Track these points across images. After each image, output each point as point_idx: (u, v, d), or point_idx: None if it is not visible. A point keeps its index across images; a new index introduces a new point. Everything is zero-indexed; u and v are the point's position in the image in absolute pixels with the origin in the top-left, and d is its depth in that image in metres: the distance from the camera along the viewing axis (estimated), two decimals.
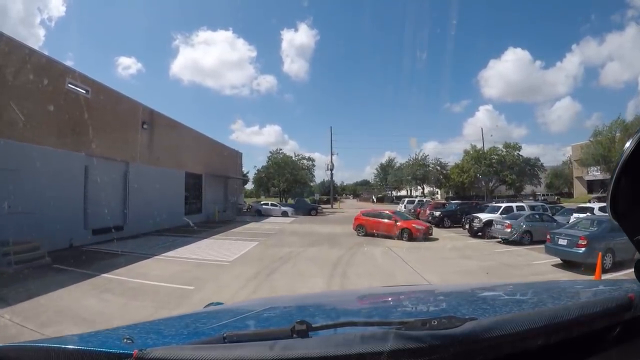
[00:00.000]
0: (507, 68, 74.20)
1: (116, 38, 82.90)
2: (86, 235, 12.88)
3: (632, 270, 1.03)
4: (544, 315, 0.92)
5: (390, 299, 2.00)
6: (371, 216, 17.69)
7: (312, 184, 57.65)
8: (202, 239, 15.13)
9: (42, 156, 10.87)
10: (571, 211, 18.76)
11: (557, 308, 1.09)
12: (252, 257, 11.36)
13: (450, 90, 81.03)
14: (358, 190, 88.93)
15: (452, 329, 0.81)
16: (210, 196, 26.15)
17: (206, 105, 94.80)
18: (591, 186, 45.07)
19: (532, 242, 13.79)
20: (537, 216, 15.61)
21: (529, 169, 46.39)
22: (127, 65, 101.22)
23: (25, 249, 9.40)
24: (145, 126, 17.64)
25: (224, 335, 0.89)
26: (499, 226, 15.12)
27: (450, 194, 54.19)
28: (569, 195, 50.33)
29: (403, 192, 62.88)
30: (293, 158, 51.45)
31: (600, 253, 8.10)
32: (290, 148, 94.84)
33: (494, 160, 45.64)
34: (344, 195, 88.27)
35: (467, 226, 17.98)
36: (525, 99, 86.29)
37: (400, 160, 62.95)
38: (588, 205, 19.48)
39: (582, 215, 15.55)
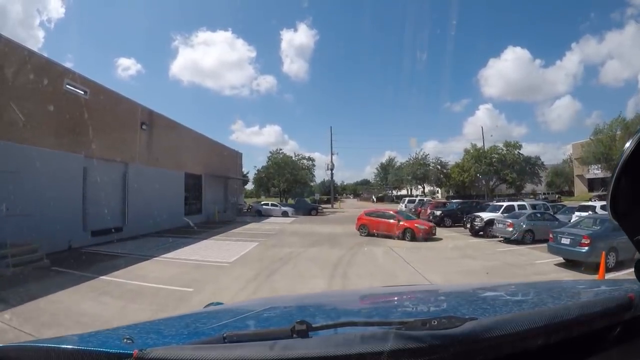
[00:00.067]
0: (507, 67, 74.07)
1: (115, 39, 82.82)
2: (85, 237, 12.81)
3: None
4: (544, 315, 0.92)
5: (390, 298, 1.99)
6: (374, 216, 17.51)
7: (312, 183, 57.57)
8: (201, 240, 15.05)
9: (40, 158, 10.79)
10: (572, 210, 18.65)
11: (557, 308, 1.09)
12: (252, 258, 11.28)
13: (450, 89, 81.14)
14: (358, 190, 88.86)
15: (452, 329, 0.81)
16: (210, 197, 26.08)
17: (206, 106, 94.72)
18: (592, 184, 44.99)
19: (534, 241, 13.71)
20: (538, 215, 15.54)
21: (530, 167, 46.26)
22: (127, 66, 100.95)
23: (24, 251, 9.32)
24: (144, 127, 17.57)
25: (224, 335, 0.89)
26: (500, 225, 15.03)
27: (451, 193, 54.12)
28: (570, 193, 50.26)
29: (403, 192, 62.77)
30: (293, 158, 51.38)
31: (603, 252, 8.03)
32: (291, 148, 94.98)
33: (494, 159, 45.52)
34: (344, 195, 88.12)
35: (468, 225, 17.88)
36: (525, 97, 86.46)
37: (400, 159, 62.86)
38: (589, 203, 19.39)
39: (584, 214, 15.47)
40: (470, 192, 51.13)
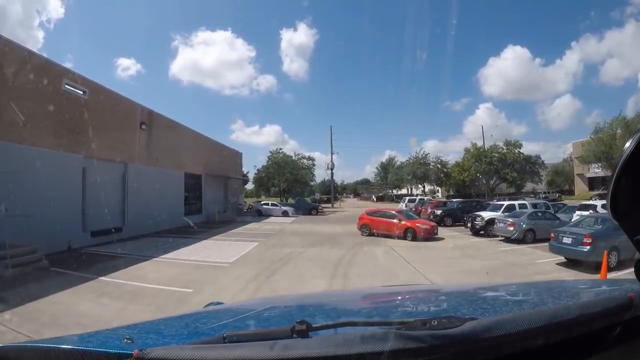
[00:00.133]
0: (507, 66, 73.97)
1: (115, 39, 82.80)
2: (85, 238, 12.77)
3: None
4: (544, 315, 0.92)
5: (390, 298, 1.99)
6: (375, 215, 17.40)
7: (312, 183, 57.55)
8: (201, 240, 15.01)
9: (39, 158, 10.73)
10: (573, 209, 18.61)
11: (557, 308, 1.09)
12: (252, 258, 11.23)
13: (450, 88, 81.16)
14: (359, 189, 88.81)
15: (452, 329, 0.81)
16: (210, 196, 26.03)
17: (206, 106, 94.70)
18: (592, 183, 44.91)
19: (535, 240, 13.65)
20: (539, 214, 15.49)
21: (530, 166, 46.19)
22: (127, 66, 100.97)
23: (22, 252, 9.27)
24: (143, 127, 17.51)
25: (224, 335, 0.89)
26: (501, 224, 14.98)
27: (451, 192, 54.06)
28: (570, 192, 50.16)
29: (403, 191, 62.71)
30: (293, 157, 51.36)
31: (605, 251, 7.98)
32: (291, 148, 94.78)
33: (494, 158, 45.44)
34: (344, 194, 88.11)
35: (469, 225, 17.83)
36: (525, 96, 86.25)
37: (400, 158, 62.75)
38: (590, 202, 19.33)
39: (585, 213, 15.42)
40: (470, 191, 51.05)
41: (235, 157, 34.96)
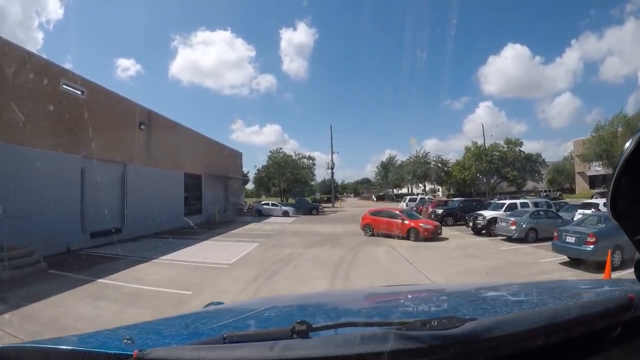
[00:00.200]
0: (507, 64, 73.54)
1: (115, 40, 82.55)
2: (84, 239, 12.70)
3: None
4: (544, 315, 0.92)
5: (390, 299, 2.00)
6: (378, 215, 17.22)
7: (312, 183, 57.38)
8: (201, 241, 14.92)
9: (37, 159, 10.65)
10: (575, 207, 18.53)
11: (557, 308, 1.09)
12: (252, 259, 11.14)
13: (450, 87, 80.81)
14: (359, 188, 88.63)
15: (452, 329, 0.81)
16: (210, 197, 25.93)
17: (206, 106, 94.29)
18: (593, 181, 44.80)
19: (538, 240, 13.57)
20: (541, 213, 15.37)
21: (531, 165, 46.06)
22: (126, 66, 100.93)
23: (20, 254, 9.20)
24: (142, 127, 17.42)
25: (224, 335, 0.88)
26: (503, 223, 14.87)
27: (452, 191, 53.96)
28: (571, 190, 50.05)
29: (404, 190, 62.59)
30: (293, 157, 51.19)
31: (610, 250, 7.88)
32: (291, 147, 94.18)
33: (495, 157, 45.32)
34: (345, 194, 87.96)
35: (470, 224, 17.71)
36: (525, 95, 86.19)
37: (401, 158, 62.60)
38: (592, 201, 19.23)
39: (587, 212, 15.33)
40: (471, 190, 50.96)
41: (235, 157, 34.88)
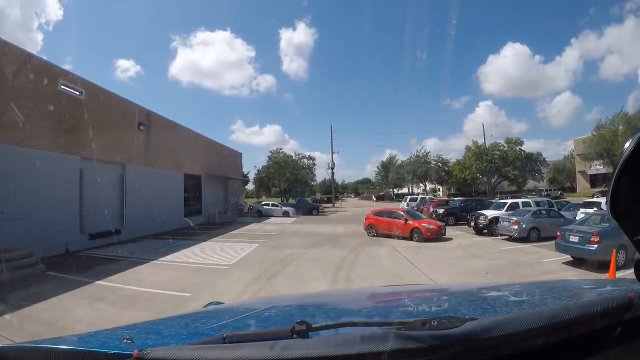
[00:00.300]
0: (507, 63, 73.74)
1: (114, 41, 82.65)
2: (83, 240, 12.62)
3: None
4: (544, 315, 0.92)
5: (390, 299, 1.99)
6: (382, 216, 17.02)
7: (313, 183, 57.30)
8: (201, 242, 14.83)
9: (35, 160, 10.57)
10: (577, 206, 18.42)
11: (557, 308, 1.09)
12: (252, 261, 11.04)
13: (450, 87, 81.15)
14: (360, 189, 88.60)
15: (453, 329, 0.81)
16: (210, 197, 25.85)
17: (206, 107, 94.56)
18: (594, 180, 44.73)
19: (540, 239, 13.46)
20: (544, 212, 15.26)
21: (532, 164, 45.92)
22: (126, 68, 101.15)
23: (18, 256, 9.10)
24: (142, 127, 17.33)
25: (224, 335, 0.88)
26: (505, 223, 14.74)
27: (452, 191, 53.85)
28: (572, 190, 49.95)
29: (404, 190, 62.46)
30: (294, 157, 51.15)
31: (614, 250, 7.78)
32: (291, 148, 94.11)
33: (496, 156, 45.20)
34: (345, 194, 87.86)
35: (472, 224, 17.59)
36: (525, 94, 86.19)
37: (401, 157, 62.55)
38: (595, 200, 19.08)
39: (589, 211, 15.21)
40: (471, 190, 50.84)
41: (235, 157, 34.80)
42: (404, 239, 14.84)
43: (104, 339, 1.08)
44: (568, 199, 28.42)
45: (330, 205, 46.83)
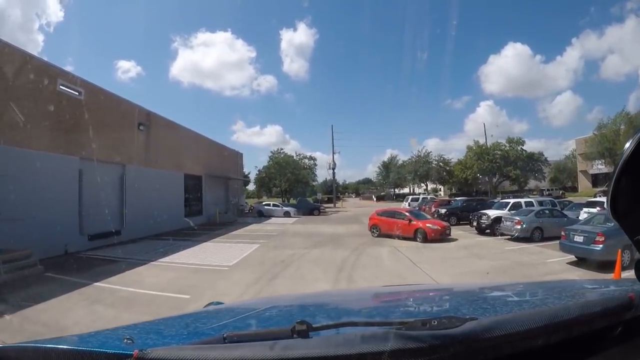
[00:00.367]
0: (507, 63, 73.69)
1: (115, 42, 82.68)
2: (82, 241, 12.53)
3: None
4: (544, 315, 0.92)
5: (390, 298, 1.99)
6: (386, 216, 16.85)
7: (314, 183, 57.24)
8: (201, 242, 14.73)
9: (34, 160, 10.50)
10: (580, 206, 18.31)
11: (557, 308, 1.09)
12: (253, 261, 10.93)
13: (451, 86, 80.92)
14: (361, 188, 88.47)
15: (453, 329, 0.81)
16: (211, 197, 25.76)
17: (207, 107, 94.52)
18: (596, 180, 44.65)
19: (543, 239, 13.37)
20: (547, 212, 15.14)
21: (533, 163, 45.80)
22: (127, 68, 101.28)
23: (16, 257, 9.00)
24: (141, 127, 17.24)
25: (224, 335, 0.88)
26: (508, 223, 14.62)
27: (453, 191, 53.74)
28: (574, 189, 49.86)
29: (405, 190, 62.34)
30: (294, 157, 51.06)
31: (619, 250, 7.66)
32: (292, 148, 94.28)
33: (497, 156, 45.09)
34: (346, 194, 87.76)
35: (474, 223, 17.46)
36: (526, 93, 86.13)
37: (402, 157, 62.45)
38: (597, 199, 18.96)
39: (592, 210, 15.10)
40: (473, 189, 50.72)
41: (235, 157, 34.72)
42: (408, 239, 14.68)
43: (104, 338, 1.08)
44: (570, 198, 28.28)
45: (331, 205, 46.68)
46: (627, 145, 0.80)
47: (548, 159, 49.00)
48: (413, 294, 2.12)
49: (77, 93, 13.09)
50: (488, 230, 16.23)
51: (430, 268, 9.55)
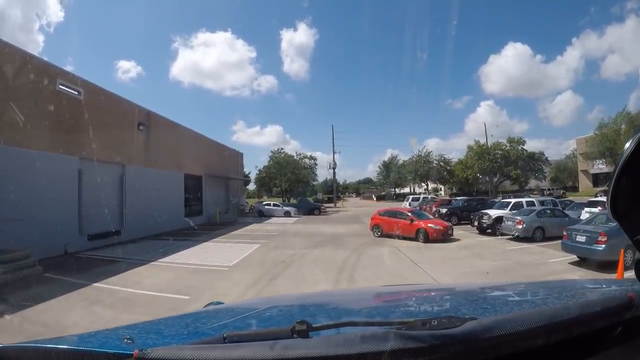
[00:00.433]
0: (508, 63, 73.37)
1: (115, 42, 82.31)
2: (82, 241, 12.49)
3: None
4: (544, 315, 0.92)
5: (390, 298, 1.99)
6: (388, 215, 16.77)
7: (314, 183, 57.16)
8: (201, 242, 14.69)
9: (34, 160, 10.46)
10: (581, 205, 18.26)
11: (557, 307, 1.09)
12: (253, 261, 10.88)
13: (451, 86, 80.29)
14: (361, 188, 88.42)
15: (453, 329, 0.81)
16: (211, 197, 25.72)
17: (207, 107, 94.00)
18: (596, 179, 44.59)
19: (545, 239, 13.33)
20: (548, 211, 15.10)
21: (533, 163, 45.74)
22: (127, 68, 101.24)
23: (15, 257, 8.96)
24: (141, 127, 17.20)
25: (224, 335, 0.88)
26: (509, 222, 14.56)
27: (454, 190, 53.68)
28: (574, 189, 49.79)
29: (405, 190, 62.28)
30: (295, 157, 51.01)
31: (622, 249, 7.61)
32: (292, 148, 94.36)
33: (498, 156, 45.03)
34: (347, 193, 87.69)
35: (475, 223, 17.41)
36: (526, 93, 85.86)
37: (403, 157, 62.38)
38: (599, 199, 18.91)
39: (594, 210, 15.05)
40: (473, 189, 50.64)
41: (236, 157, 34.69)
42: (410, 239, 14.61)
43: (104, 338, 1.07)
44: (571, 198, 28.22)
45: (332, 204, 46.62)
46: (627, 145, 0.80)
47: (549, 158, 48.96)
48: (413, 293, 2.12)
49: (76, 93, 13.05)
50: (489, 230, 16.19)
51: (431, 268, 9.51)
